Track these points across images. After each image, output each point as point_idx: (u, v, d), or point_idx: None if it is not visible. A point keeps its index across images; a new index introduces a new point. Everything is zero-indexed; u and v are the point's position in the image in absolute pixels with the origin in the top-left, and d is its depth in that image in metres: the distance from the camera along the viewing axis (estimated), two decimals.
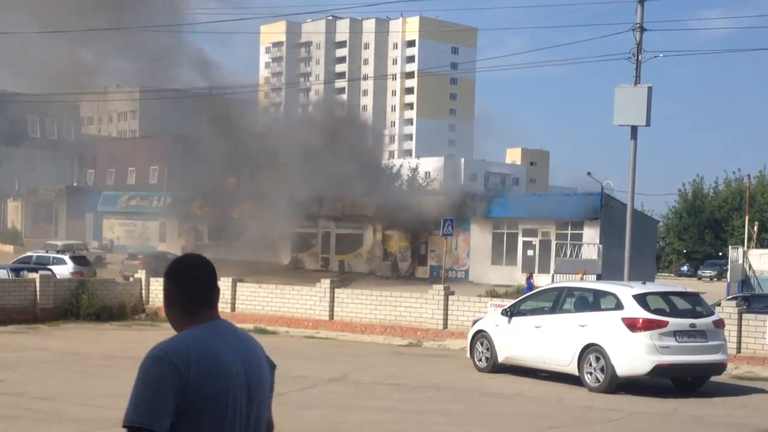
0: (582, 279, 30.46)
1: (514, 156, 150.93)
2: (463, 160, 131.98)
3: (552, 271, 43.24)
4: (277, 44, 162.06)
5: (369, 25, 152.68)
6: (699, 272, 73.24)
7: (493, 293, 36.15)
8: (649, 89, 25.72)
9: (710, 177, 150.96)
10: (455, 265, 49.48)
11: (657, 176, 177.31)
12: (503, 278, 46.23)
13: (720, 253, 77.26)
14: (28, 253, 33.24)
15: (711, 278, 69.53)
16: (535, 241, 47.86)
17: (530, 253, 48.02)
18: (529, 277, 38.70)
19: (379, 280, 48.51)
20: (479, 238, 49.33)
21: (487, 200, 50.82)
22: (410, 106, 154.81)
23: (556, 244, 45.41)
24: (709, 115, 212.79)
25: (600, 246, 44.23)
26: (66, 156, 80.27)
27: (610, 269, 42.71)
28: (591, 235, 45.36)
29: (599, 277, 39.19)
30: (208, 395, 3.24)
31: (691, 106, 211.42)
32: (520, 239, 48.27)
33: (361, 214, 51.96)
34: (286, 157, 53.96)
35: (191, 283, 3.43)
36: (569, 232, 46.41)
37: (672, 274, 74.38)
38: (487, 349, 16.53)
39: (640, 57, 25.91)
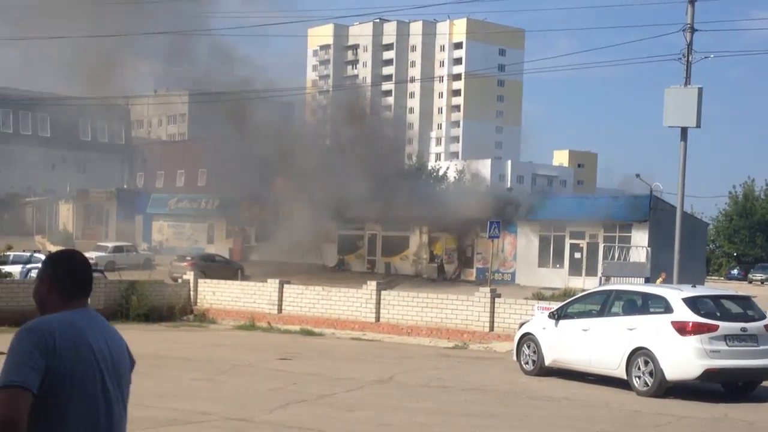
0: (663, 281, 29.80)
1: (561, 158, 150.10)
2: (510, 162, 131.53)
3: (600, 274, 42.89)
4: (325, 47, 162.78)
5: (416, 28, 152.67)
6: (750, 276, 72.18)
7: (539, 296, 35.89)
8: (700, 90, 25.42)
9: (761, 179, 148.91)
10: (501, 268, 49.27)
11: (707, 178, 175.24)
12: (550, 281, 45.93)
13: None
14: (6, 253, 31.86)
15: (762, 282, 68.50)
16: (583, 243, 47.48)
17: (577, 255, 47.66)
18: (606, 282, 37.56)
19: (425, 283, 48.47)
20: (526, 240, 49.07)
21: (533, 202, 50.52)
22: (457, 108, 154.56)
23: (604, 246, 45.00)
24: (759, 117, 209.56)
25: (648, 249, 43.79)
26: (116, 159, 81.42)
27: (658, 272, 42.27)
28: (639, 237, 44.91)
29: (647, 281, 38.83)
30: (74, 367, 3.50)
31: (741, 107, 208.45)
32: (568, 241, 47.93)
33: (408, 216, 51.93)
34: (330, 159, 54.19)
35: (73, 273, 3.77)
36: (617, 234, 45.99)
37: (722, 278, 73.37)
38: (534, 352, 16.44)
39: (690, 58, 25.62)
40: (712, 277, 69.61)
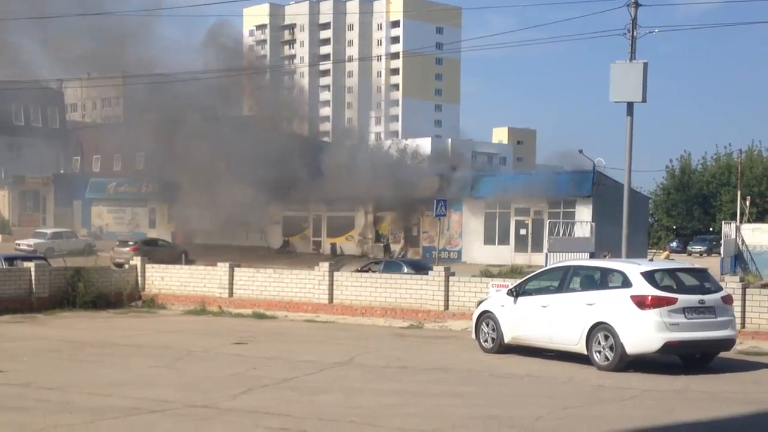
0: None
1: (500, 135, 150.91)
2: (449, 140, 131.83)
3: (545, 250, 43.21)
4: (261, 27, 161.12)
5: (353, 6, 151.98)
6: (689, 248, 73.45)
7: (486, 273, 36.12)
8: (645, 65, 25.62)
9: (697, 153, 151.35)
10: (448, 246, 49.47)
11: (645, 153, 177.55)
12: (496, 258, 46.24)
13: (711, 229, 77.53)
14: None
15: (701, 254, 69.74)
16: (528, 220, 47.87)
17: (523, 232, 48.03)
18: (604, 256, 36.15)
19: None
20: (471, 217, 49.30)
21: (477, 179, 50.73)
22: (396, 86, 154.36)
23: (549, 222, 45.36)
24: (696, 92, 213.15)
25: (593, 224, 44.24)
26: (51, 143, 79.68)
27: (603, 247, 42.74)
28: (583, 213, 45.40)
29: (592, 256, 39.20)
30: None
31: (677, 83, 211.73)
32: (513, 218, 48.26)
33: (352, 195, 51.80)
34: (268, 139, 53.69)
35: None
36: (561, 210, 46.44)
37: (661, 251, 74.57)
38: (493, 330, 16.43)
39: (635, 33, 25.78)
40: (652, 251, 70.64)
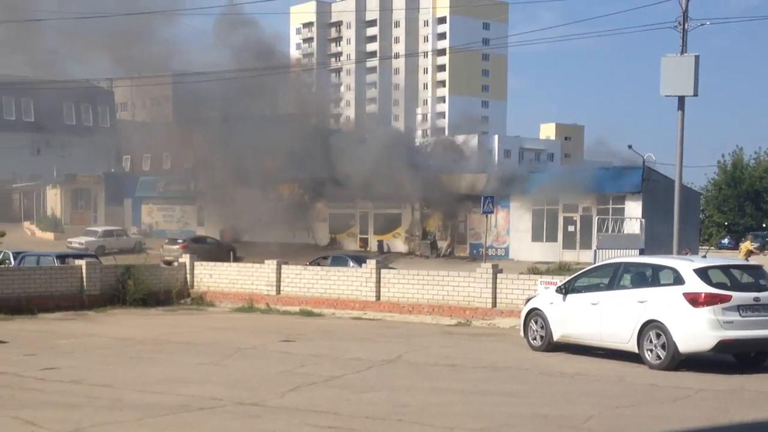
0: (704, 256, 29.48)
1: (548, 131, 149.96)
2: (496, 136, 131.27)
3: (594, 247, 42.80)
4: (308, 24, 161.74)
5: (399, 3, 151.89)
6: (740, 245, 72.28)
7: (534, 270, 35.84)
8: (697, 58, 25.18)
9: (750, 147, 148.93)
10: (495, 243, 49.19)
11: (696, 148, 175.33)
12: (544, 255, 45.90)
13: (764, 225, 76.25)
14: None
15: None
16: (576, 216, 47.41)
17: (571, 228, 47.60)
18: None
19: (419, 260, 48.37)
20: (519, 214, 48.96)
21: (526, 176, 50.35)
22: (442, 83, 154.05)
23: (598, 219, 44.90)
24: (749, 85, 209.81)
25: (642, 220, 43.74)
26: (102, 142, 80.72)
27: (653, 244, 42.22)
28: (633, 209, 44.85)
29: (642, 252, 38.72)
30: None
31: (729, 76, 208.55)
32: (561, 215, 47.83)
33: (399, 193, 51.72)
34: (320, 139, 53.89)
35: None
36: (611, 206, 45.93)
37: (713, 247, 73.51)
38: (542, 328, 16.26)
39: (686, 25, 25.35)
40: (703, 247, 69.67)
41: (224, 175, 56.28)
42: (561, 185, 47.19)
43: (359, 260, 31.97)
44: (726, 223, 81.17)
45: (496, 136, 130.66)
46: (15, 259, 27.49)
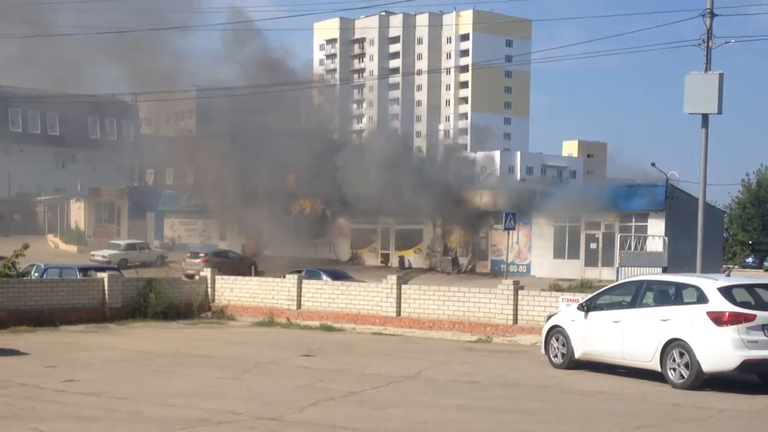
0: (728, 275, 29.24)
1: (570, 149, 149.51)
2: (519, 153, 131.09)
3: (616, 265, 42.55)
4: (331, 41, 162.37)
5: (422, 20, 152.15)
6: (765, 263, 71.80)
7: (556, 287, 35.62)
8: (721, 76, 25.03)
9: None
10: (516, 259, 48.99)
11: (720, 166, 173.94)
12: (565, 272, 45.65)
13: None
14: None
15: None
16: (598, 234, 47.16)
17: (593, 246, 47.35)
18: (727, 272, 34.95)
19: (440, 276, 48.25)
20: (540, 231, 48.75)
21: (548, 193, 50.15)
22: (465, 100, 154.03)
23: (620, 236, 44.64)
24: None
25: (665, 238, 43.44)
26: (126, 156, 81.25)
27: (675, 262, 41.88)
28: (656, 227, 44.56)
29: (665, 270, 38.43)
30: None
31: (753, 95, 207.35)
32: (583, 232, 47.60)
33: (420, 209, 51.68)
34: (344, 154, 54.00)
35: None
36: (633, 224, 45.67)
37: (736, 266, 72.98)
38: (563, 345, 16.15)
39: (710, 43, 25.22)
40: (727, 266, 69.11)
41: (245, 190, 56.46)
42: (575, 202, 46.95)
43: (334, 275, 33.32)
44: (750, 242, 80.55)
45: (519, 153, 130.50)
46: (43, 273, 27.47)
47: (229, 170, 57.18)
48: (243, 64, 59.36)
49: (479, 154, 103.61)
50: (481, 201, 49.45)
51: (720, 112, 25.39)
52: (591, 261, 46.84)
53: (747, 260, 74.99)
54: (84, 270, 26.89)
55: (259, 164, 54.16)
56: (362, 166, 50.64)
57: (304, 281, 25.32)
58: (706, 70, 25.42)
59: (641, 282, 15.67)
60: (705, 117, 25.84)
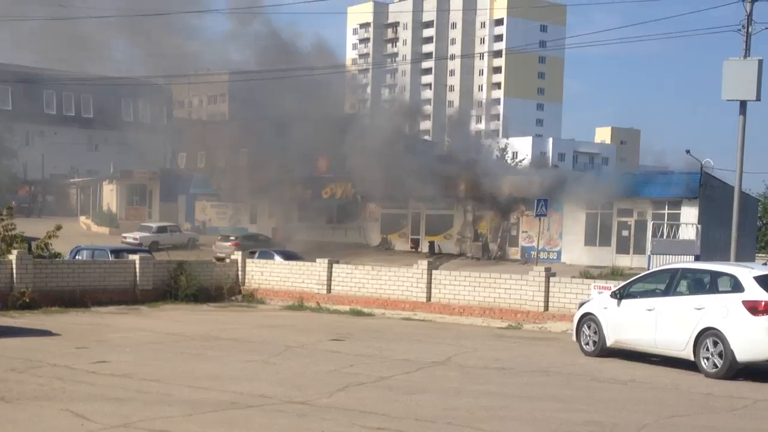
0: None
1: (603, 135, 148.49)
2: (551, 139, 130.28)
3: (648, 252, 42.17)
4: (365, 25, 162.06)
5: (456, 4, 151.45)
6: None
7: (587, 274, 35.33)
8: (760, 62, 24.65)
9: None
10: (547, 246, 48.70)
11: (754, 154, 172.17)
12: (596, 259, 45.32)
13: None
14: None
15: None
16: (631, 221, 46.73)
17: (625, 233, 46.94)
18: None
19: (470, 262, 48.09)
20: (572, 218, 48.40)
21: (580, 179, 49.77)
22: (498, 85, 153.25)
23: (653, 224, 44.20)
24: None
25: (699, 226, 42.96)
26: (158, 139, 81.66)
27: (708, 250, 41.46)
28: (689, 214, 44.07)
29: (697, 258, 38.03)
30: None
31: None
32: (615, 219, 47.19)
33: (452, 194, 51.51)
34: (373, 139, 53.83)
35: None
36: (666, 212, 45.19)
37: None
38: (595, 333, 16.01)
39: (750, 29, 24.83)
40: (760, 255, 68.31)
41: (276, 174, 56.57)
42: (608, 189, 46.50)
43: (286, 255, 34.20)
44: None
45: (551, 139, 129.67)
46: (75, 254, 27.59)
47: (259, 154, 57.32)
48: (274, 48, 59.38)
49: (511, 140, 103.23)
50: (513, 187, 49.14)
51: (759, 98, 25.04)
52: (622, 248, 46.44)
53: None
54: (116, 252, 27.03)
55: (290, 149, 54.22)
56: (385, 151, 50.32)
57: (334, 265, 25.30)
58: (745, 56, 25.03)
59: (675, 270, 15.48)
60: (743, 104, 25.47)
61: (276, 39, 59.80)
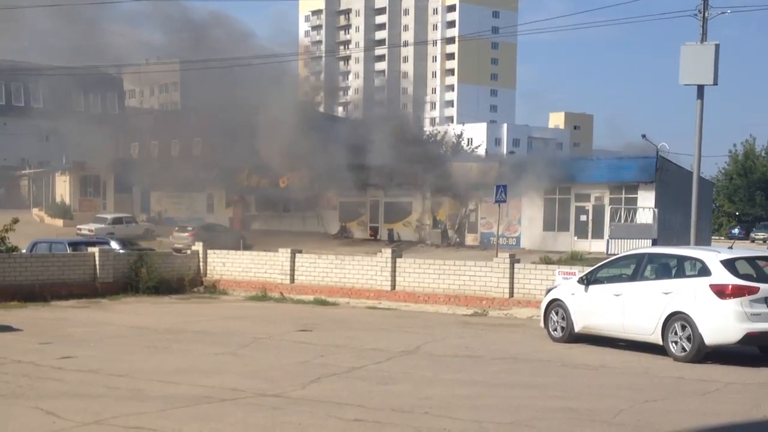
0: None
1: (557, 120, 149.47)
2: (505, 125, 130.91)
3: (606, 237, 42.53)
4: (316, 12, 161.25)
5: None
6: (752, 234, 72.01)
7: (547, 260, 35.52)
8: (717, 47, 24.87)
9: (762, 137, 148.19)
10: (506, 232, 48.84)
11: (707, 138, 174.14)
12: (556, 244, 45.59)
13: None
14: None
15: (764, 240, 68.35)
16: (588, 206, 47.06)
17: (583, 218, 47.27)
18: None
19: (429, 248, 48.10)
20: (530, 203, 48.59)
21: (538, 165, 49.94)
22: (451, 72, 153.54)
23: (611, 208, 44.58)
24: (760, 76, 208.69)
25: (655, 210, 43.42)
26: (110, 129, 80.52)
27: (665, 234, 41.94)
28: (646, 198, 44.49)
29: (654, 243, 38.42)
30: None
31: (740, 66, 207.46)
32: (573, 204, 47.48)
33: (410, 182, 51.46)
34: (328, 126, 53.61)
35: None
36: (623, 196, 45.56)
37: (722, 237, 73.19)
38: (563, 319, 16.06)
39: (706, 14, 25.03)
40: (714, 238, 69.36)
41: (231, 163, 56.09)
42: (573, 174, 46.76)
43: (123, 242, 33.14)
44: (737, 213, 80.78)
45: (505, 125, 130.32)
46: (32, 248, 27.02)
47: (213, 143, 56.79)
48: (224, 35, 58.84)
49: (466, 126, 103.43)
50: (471, 173, 49.21)
51: (716, 83, 25.29)
52: (581, 233, 46.79)
53: (733, 231, 75.14)
54: (74, 244, 26.59)
55: (244, 137, 53.76)
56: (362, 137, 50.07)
57: (297, 255, 25.13)
58: (702, 41, 25.25)
59: (642, 255, 15.57)
60: (700, 88, 25.70)
61: (228, 28, 59.24)
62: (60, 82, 70.06)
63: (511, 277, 21.15)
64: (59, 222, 59.95)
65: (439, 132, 78.46)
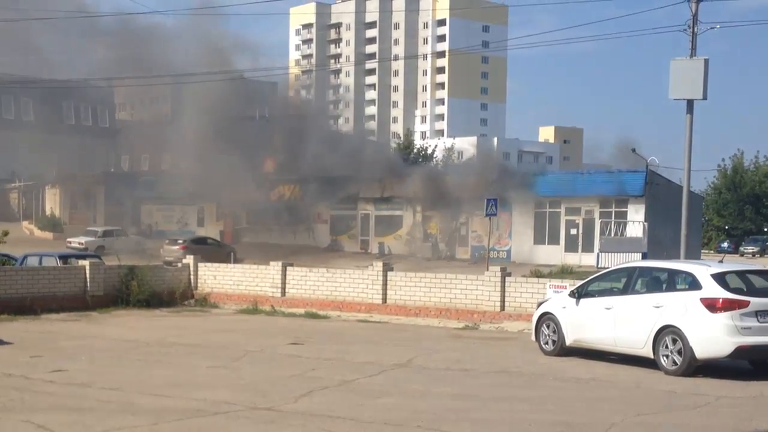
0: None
1: (546, 134, 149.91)
2: (495, 139, 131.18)
3: (596, 250, 42.67)
4: (307, 26, 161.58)
5: (399, 4, 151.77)
6: (741, 249, 72.26)
7: (537, 273, 35.57)
8: (706, 61, 25.01)
9: (750, 151, 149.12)
10: (497, 245, 48.91)
11: (696, 152, 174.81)
12: (546, 258, 45.70)
13: (765, 229, 76.12)
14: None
15: (753, 254, 68.57)
16: (579, 219, 47.20)
17: (573, 231, 47.40)
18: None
19: (420, 262, 48.11)
20: (521, 217, 48.71)
21: (528, 179, 50.11)
22: (441, 85, 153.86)
23: (601, 222, 44.71)
24: (749, 91, 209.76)
25: (645, 224, 43.58)
26: (101, 142, 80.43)
27: (655, 247, 42.06)
28: (636, 212, 44.66)
29: (644, 256, 38.54)
30: None
31: (730, 81, 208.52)
32: (563, 218, 47.61)
33: (401, 195, 51.55)
34: (319, 140, 53.71)
35: None
36: (613, 210, 45.74)
37: (712, 251, 73.44)
38: (554, 332, 16.08)
39: (696, 29, 25.18)
40: (703, 251, 69.56)
41: (224, 176, 56.05)
42: (564, 188, 46.89)
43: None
44: (726, 227, 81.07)
45: (495, 139, 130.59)
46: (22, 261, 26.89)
47: (205, 156, 56.75)
48: (217, 49, 58.96)
49: (456, 140, 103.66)
50: (462, 187, 49.32)
51: (705, 97, 25.40)
52: (571, 247, 46.91)
53: (722, 245, 75.40)
54: (64, 257, 26.52)
55: (236, 150, 53.74)
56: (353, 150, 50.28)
57: (288, 268, 25.11)
58: (691, 56, 25.39)
59: (633, 269, 15.62)
60: (690, 103, 25.82)
61: (221, 41, 59.37)
62: (51, 95, 70.02)
63: (503, 291, 21.16)
64: (49, 235, 59.77)
65: (429, 145, 78.57)
